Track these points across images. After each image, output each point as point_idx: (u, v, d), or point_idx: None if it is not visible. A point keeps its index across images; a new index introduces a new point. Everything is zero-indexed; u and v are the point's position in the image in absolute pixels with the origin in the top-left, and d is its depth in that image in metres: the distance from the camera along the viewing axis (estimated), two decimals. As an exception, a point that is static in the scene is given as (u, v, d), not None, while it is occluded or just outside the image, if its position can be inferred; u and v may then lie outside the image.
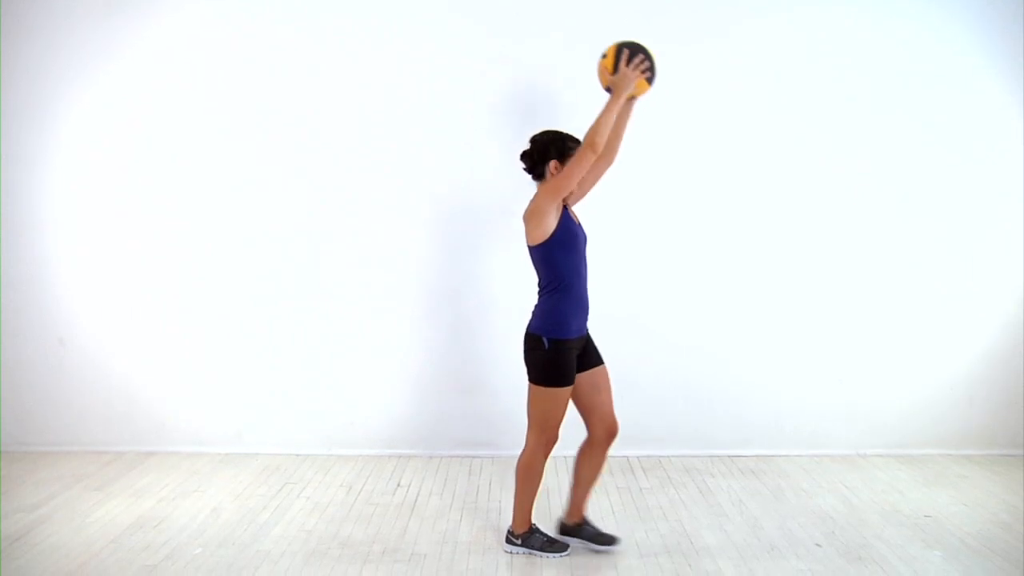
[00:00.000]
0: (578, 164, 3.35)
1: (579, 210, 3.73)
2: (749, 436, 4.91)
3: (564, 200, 3.48)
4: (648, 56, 3.53)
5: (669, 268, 4.86)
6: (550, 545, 3.59)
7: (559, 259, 3.43)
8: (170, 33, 4.80)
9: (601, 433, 3.59)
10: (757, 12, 4.79)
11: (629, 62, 3.48)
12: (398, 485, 4.48)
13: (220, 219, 4.88)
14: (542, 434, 3.52)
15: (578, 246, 3.48)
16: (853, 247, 4.87)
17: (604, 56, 3.57)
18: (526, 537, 3.61)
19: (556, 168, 3.46)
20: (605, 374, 3.61)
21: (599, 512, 4.06)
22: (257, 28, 4.77)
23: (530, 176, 3.58)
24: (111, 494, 4.31)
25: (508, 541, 3.65)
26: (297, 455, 4.90)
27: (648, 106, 4.68)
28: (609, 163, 3.66)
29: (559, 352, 3.43)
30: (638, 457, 4.86)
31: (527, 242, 3.47)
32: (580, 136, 3.45)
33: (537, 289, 3.54)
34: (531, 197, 3.49)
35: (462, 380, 4.93)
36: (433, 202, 4.84)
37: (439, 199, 4.84)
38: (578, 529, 3.68)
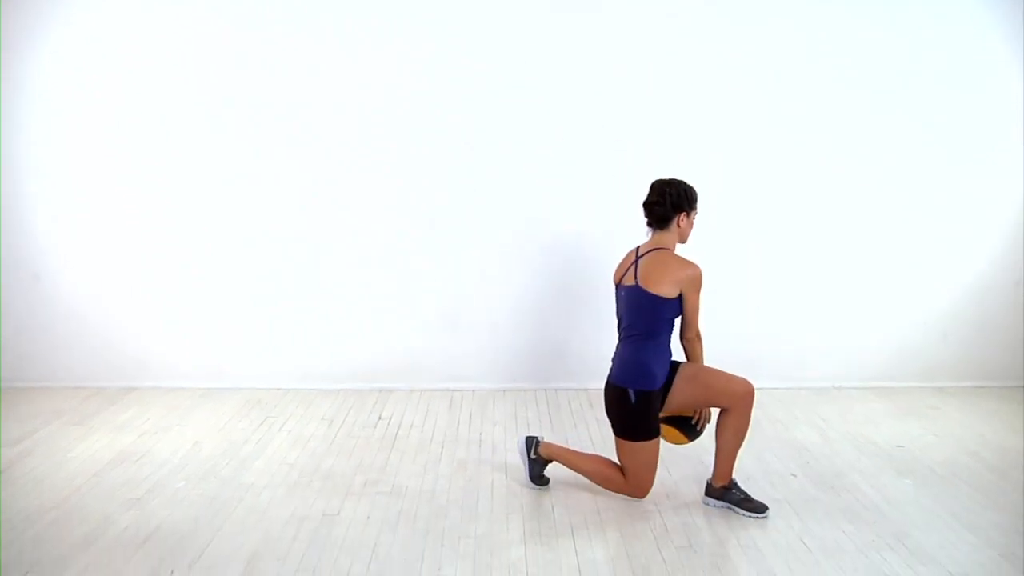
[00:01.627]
0: (695, 315, 3.43)
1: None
2: (727, 369, 4.93)
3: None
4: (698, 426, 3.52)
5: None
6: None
7: (670, 315, 3.38)
8: (171, 29, 4.70)
9: (736, 401, 3.37)
10: (757, 13, 4.72)
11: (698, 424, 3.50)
12: (379, 418, 4.51)
13: (202, 157, 4.81)
14: (636, 486, 3.45)
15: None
16: (833, 191, 4.88)
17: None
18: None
19: (683, 220, 3.40)
20: (685, 365, 3.46)
21: (579, 443, 4.10)
22: (257, 25, 4.70)
23: (647, 222, 3.45)
24: (92, 429, 4.31)
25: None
26: (278, 389, 4.91)
27: (648, 107, 4.76)
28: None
29: (645, 404, 3.34)
30: (617, 390, 4.91)
31: (640, 283, 3.35)
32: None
33: (622, 334, 3.46)
34: (650, 246, 3.42)
35: (442, 314, 4.93)
36: (425, 197, 4.87)
37: (433, 194, 4.87)
38: (726, 492, 3.43)
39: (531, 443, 3.64)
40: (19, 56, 4.71)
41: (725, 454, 3.43)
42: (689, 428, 3.50)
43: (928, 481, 3.70)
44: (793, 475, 3.76)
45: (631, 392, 3.33)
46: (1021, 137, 4.84)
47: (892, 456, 3.98)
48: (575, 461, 3.58)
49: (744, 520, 3.33)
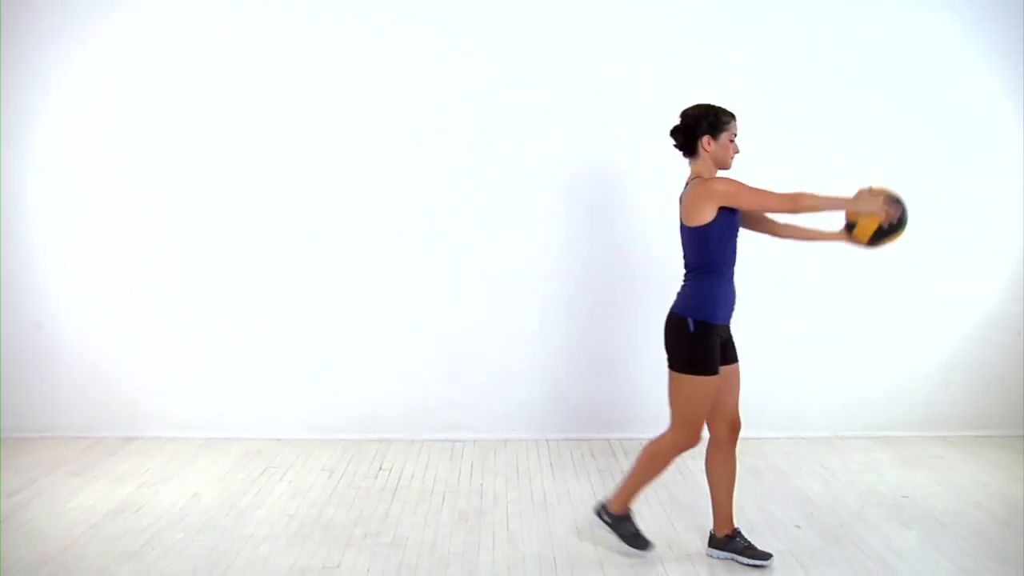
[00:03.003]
0: (766, 199, 3.12)
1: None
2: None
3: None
4: (902, 218, 3.17)
5: (651, 251, 4.87)
6: (635, 539, 3.40)
7: (714, 246, 3.21)
8: (170, 29, 4.76)
9: (724, 431, 3.35)
10: (757, 13, 4.81)
11: (888, 202, 3.13)
12: (380, 468, 4.48)
13: (200, 206, 4.85)
14: (683, 430, 3.25)
15: (736, 233, 3.26)
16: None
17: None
18: (617, 521, 3.42)
19: (708, 143, 3.20)
20: (738, 372, 3.38)
21: (581, 494, 4.08)
22: (257, 26, 4.75)
23: (681, 153, 3.32)
24: (91, 479, 4.29)
25: (598, 514, 3.46)
26: (278, 439, 4.89)
27: (647, 104, 4.76)
28: (767, 232, 3.45)
29: (704, 335, 3.20)
30: (619, 439, 4.89)
31: (682, 220, 3.25)
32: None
33: (684, 271, 3.33)
34: (689, 178, 3.28)
35: (443, 364, 4.93)
36: (425, 197, 4.85)
37: (433, 194, 4.85)
38: (729, 542, 3.39)
39: (600, 511, 3.47)
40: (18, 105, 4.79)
41: (720, 500, 3.41)
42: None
43: (933, 532, 3.67)
44: (797, 526, 3.73)
45: (690, 321, 3.19)
46: (1021, 193, 4.89)
47: (896, 506, 3.95)
48: (636, 479, 3.39)
49: (748, 571, 3.29)
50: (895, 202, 3.15)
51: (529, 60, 4.76)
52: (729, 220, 3.21)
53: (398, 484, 4.27)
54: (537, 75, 4.77)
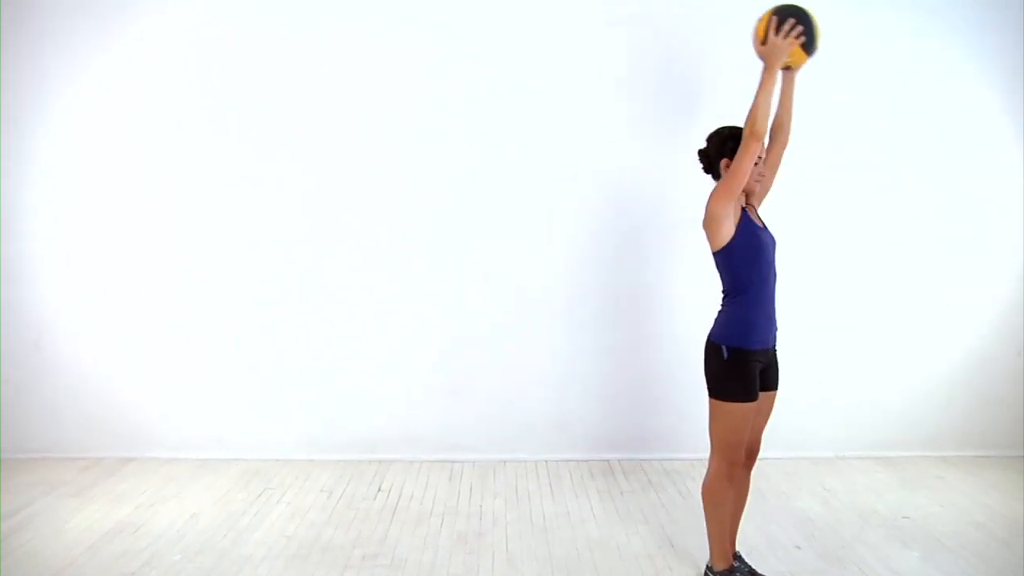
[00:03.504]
0: (744, 156, 3.04)
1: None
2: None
3: (748, 200, 3.28)
4: (803, 20, 3.15)
5: (648, 268, 4.88)
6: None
7: (740, 265, 3.16)
8: (172, 32, 4.76)
9: (742, 455, 3.28)
10: (756, 12, 4.81)
11: (778, 30, 3.13)
12: (379, 490, 4.47)
13: (198, 224, 4.85)
14: (723, 455, 3.20)
15: (763, 251, 3.18)
16: (832, 252, 4.90)
17: (757, 22, 3.23)
18: (729, 573, 3.32)
19: (727, 165, 3.19)
20: (772, 400, 3.34)
21: (580, 515, 4.07)
22: (262, 28, 4.74)
23: (709, 176, 3.36)
24: (89, 500, 4.28)
25: None
26: (277, 460, 4.88)
27: (644, 102, 4.76)
28: (784, 145, 3.39)
29: (739, 362, 3.14)
30: (619, 460, 4.88)
31: (710, 248, 3.22)
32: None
33: (721, 296, 3.29)
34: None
35: (442, 384, 4.92)
36: (426, 204, 4.83)
37: (438, 201, 4.82)
38: (728, 571, 3.35)
39: (707, 574, 3.40)
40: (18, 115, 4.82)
41: (726, 523, 3.35)
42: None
43: (935, 553, 3.65)
44: (798, 547, 3.71)
45: (724, 348, 3.14)
46: (1021, 209, 4.90)
47: (898, 527, 3.94)
48: (712, 526, 3.33)
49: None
50: (795, 22, 3.16)
51: (533, 63, 4.73)
52: (752, 233, 3.16)
53: (397, 505, 4.25)
54: (541, 78, 4.73)
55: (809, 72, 4.74)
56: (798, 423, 4.95)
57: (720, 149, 3.23)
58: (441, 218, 4.82)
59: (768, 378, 3.28)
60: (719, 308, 3.29)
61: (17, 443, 4.93)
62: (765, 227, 3.27)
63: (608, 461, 4.87)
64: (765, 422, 3.35)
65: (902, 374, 4.97)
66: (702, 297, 4.85)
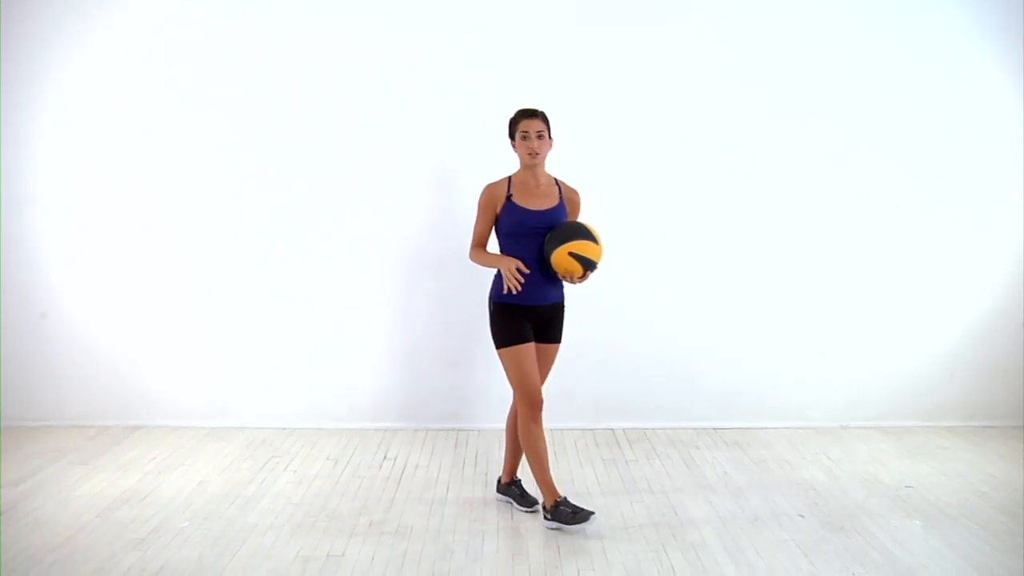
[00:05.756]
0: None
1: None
2: (733, 409, 4.94)
3: (530, 181, 3.66)
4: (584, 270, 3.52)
5: (655, 247, 4.88)
6: (573, 516, 3.54)
7: (502, 242, 3.66)
8: (172, 24, 4.78)
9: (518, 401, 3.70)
10: (756, 8, 4.79)
11: (579, 276, 3.53)
12: (384, 458, 4.49)
13: (205, 193, 4.84)
14: (519, 396, 3.62)
15: (521, 232, 3.58)
16: (837, 223, 4.89)
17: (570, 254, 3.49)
18: (554, 510, 3.58)
19: (513, 147, 3.67)
20: (549, 352, 3.72)
21: (585, 483, 4.09)
22: (257, 26, 4.76)
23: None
24: (97, 468, 4.30)
25: (544, 518, 3.65)
26: (283, 428, 4.90)
27: (644, 105, 4.78)
28: None
29: (501, 313, 3.60)
30: (624, 429, 4.90)
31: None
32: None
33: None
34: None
35: (447, 353, 4.93)
36: (418, 183, 4.85)
37: (424, 180, 4.85)
38: (507, 488, 3.87)
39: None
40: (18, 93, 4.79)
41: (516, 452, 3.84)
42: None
43: (938, 522, 3.67)
44: (801, 516, 3.73)
45: (490, 303, 3.66)
46: (1023, 186, 4.87)
47: (901, 496, 3.95)
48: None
49: (754, 562, 3.30)
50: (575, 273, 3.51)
51: (531, 66, 4.76)
52: (512, 221, 3.61)
53: (403, 473, 4.27)
54: (540, 80, 4.74)
55: (808, 70, 4.77)
56: (803, 393, 4.97)
57: (510, 130, 3.67)
58: (441, 190, 4.81)
59: (543, 334, 3.69)
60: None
61: (24, 412, 4.95)
62: (539, 211, 3.60)
63: (613, 430, 4.89)
64: (544, 373, 3.72)
65: (906, 346, 4.97)
66: (701, 275, 4.87)
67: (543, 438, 3.65)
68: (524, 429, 3.62)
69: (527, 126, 3.58)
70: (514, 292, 3.51)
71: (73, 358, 4.95)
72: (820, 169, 4.85)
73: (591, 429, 4.91)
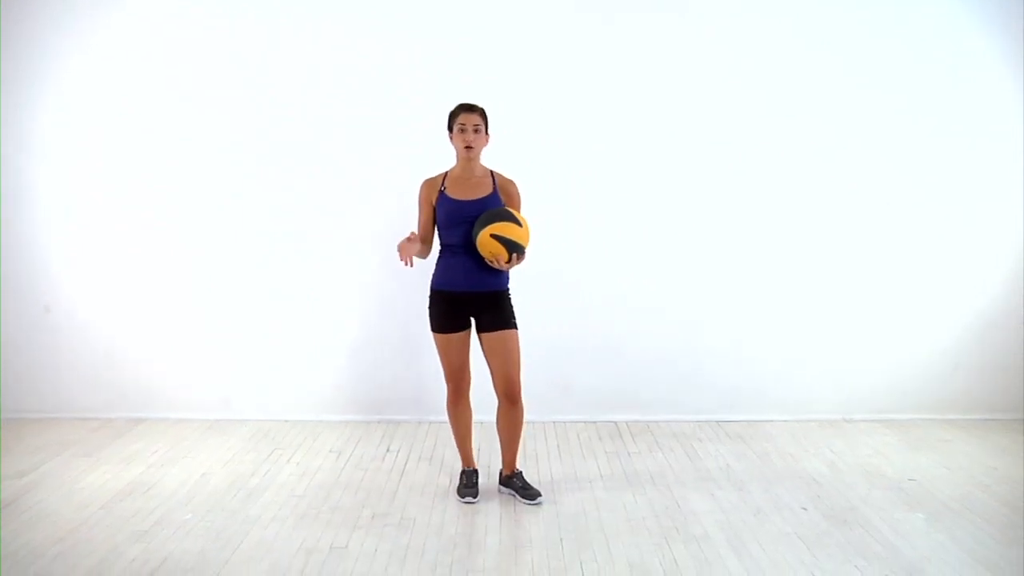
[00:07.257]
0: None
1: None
2: (736, 401, 4.95)
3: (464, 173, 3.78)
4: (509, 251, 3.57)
5: (657, 240, 4.87)
6: (463, 489, 3.87)
7: (440, 234, 3.80)
8: (173, 22, 4.78)
9: (499, 395, 3.82)
10: (754, 7, 4.77)
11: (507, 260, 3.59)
12: (387, 450, 4.50)
13: (206, 194, 4.85)
14: (445, 378, 3.86)
15: (454, 221, 3.68)
16: (841, 217, 4.88)
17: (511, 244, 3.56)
18: (461, 476, 3.96)
19: (451, 139, 3.79)
20: (500, 340, 3.73)
21: (588, 476, 4.09)
22: (256, 26, 4.76)
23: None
24: (100, 460, 4.31)
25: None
26: (286, 421, 4.91)
27: (642, 100, 4.77)
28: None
29: (433, 301, 3.79)
30: (627, 422, 4.90)
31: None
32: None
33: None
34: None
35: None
36: (417, 183, 4.75)
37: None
38: (508, 480, 3.91)
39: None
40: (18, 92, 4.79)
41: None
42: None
43: (940, 515, 3.67)
44: (804, 508, 3.73)
45: (429, 290, 3.81)
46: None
47: (903, 489, 3.95)
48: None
49: (757, 554, 3.30)
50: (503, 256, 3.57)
51: (529, 65, 4.76)
52: (445, 213, 3.73)
53: (405, 466, 4.28)
54: (538, 79, 4.75)
55: (808, 68, 4.75)
56: (806, 386, 4.97)
57: (449, 123, 3.78)
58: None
59: (483, 322, 3.75)
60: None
61: (28, 404, 4.97)
62: (472, 201, 3.68)
63: (616, 423, 4.89)
64: (503, 361, 3.73)
65: (909, 339, 4.97)
66: (703, 266, 4.87)
67: (465, 415, 3.91)
68: (448, 408, 3.90)
69: (465, 120, 3.70)
70: (406, 266, 3.61)
71: (76, 351, 4.95)
72: (825, 163, 4.84)
73: (594, 422, 4.91)
